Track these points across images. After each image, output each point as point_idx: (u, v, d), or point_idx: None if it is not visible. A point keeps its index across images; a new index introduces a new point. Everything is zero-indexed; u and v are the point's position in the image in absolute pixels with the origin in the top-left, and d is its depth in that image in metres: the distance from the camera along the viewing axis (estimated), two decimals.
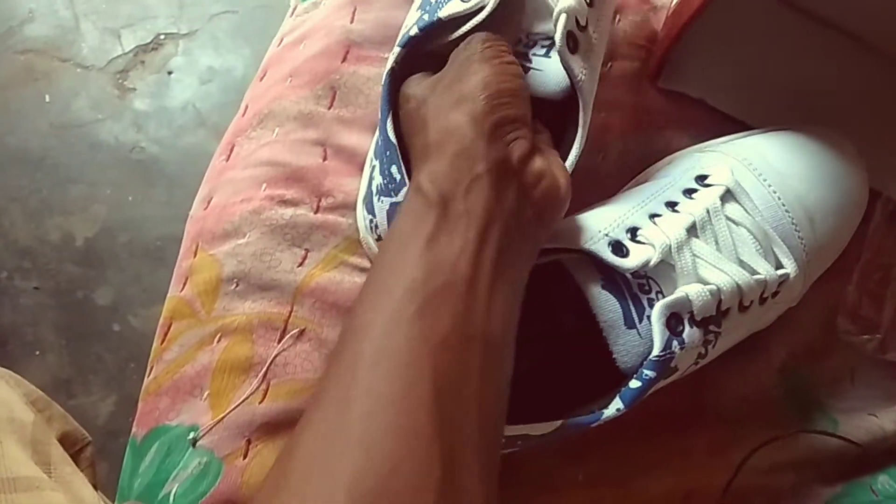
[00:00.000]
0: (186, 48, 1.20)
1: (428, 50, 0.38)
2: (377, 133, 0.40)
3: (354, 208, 0.44)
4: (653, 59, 0.48)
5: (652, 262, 0.35)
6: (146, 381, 0.44)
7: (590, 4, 0.38)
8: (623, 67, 0.49)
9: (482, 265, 0.29)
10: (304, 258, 0.44)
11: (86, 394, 1.04)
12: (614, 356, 0.37)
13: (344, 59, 0.47)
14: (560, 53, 0.36)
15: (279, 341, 0.42)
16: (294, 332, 0.42)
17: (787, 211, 0.39)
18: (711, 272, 0.36)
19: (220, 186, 0.46)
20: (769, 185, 0.39)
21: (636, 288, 0.37)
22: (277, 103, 0.47)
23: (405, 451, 0.25)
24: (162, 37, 1.20)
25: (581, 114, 0.37)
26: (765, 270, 0.37)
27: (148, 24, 1.21)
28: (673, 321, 0.34)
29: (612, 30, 0.48)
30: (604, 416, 0.35)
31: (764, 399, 0.45)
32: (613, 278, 0.37)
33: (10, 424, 0.38)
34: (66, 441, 0.48)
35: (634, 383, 0.35)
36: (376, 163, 0.40)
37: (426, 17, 0.38)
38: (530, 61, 0.40)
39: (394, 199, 0.38)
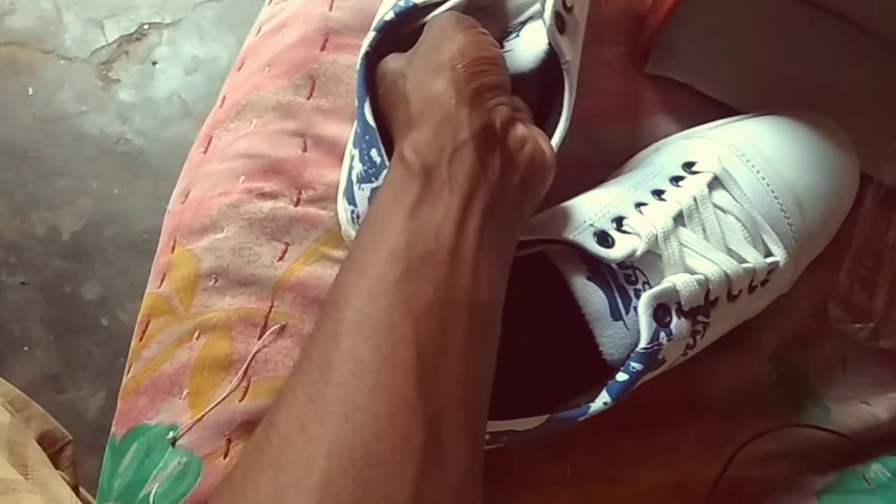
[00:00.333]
0: (171, 38, 1.18)
1: (403, 34, 0.38)
2: (355, 123, 0.39)
3: (335, 200, 0.43)
4: (639, 45, 0.47)
5: (638, 253, 0.34)
6: (125, 379, 0.43)
7: None
8: (609, 53, 0.48)
9: (466, 231, 0.29)
10: (285, 252, 0.43)
11: (75, 389, 1.04)
12: (601, 349, 0.36)
13: (323, 48, 0.46)
14: (549, 33, 0.36)
15: (259, 338, 0.41)
16: (275, 327, 0.41)
17: (775, 197, 0.38)
18: (699, 261, 0.35)
19: (198, 179, 0.45)
20: (757, 172, 0.39)
21: (622, 279, 0.36)
22: (255, 94, 0.46)
23: (386, 416, 0.25)
24: (146, 27, 1.19)
25: (567, 95, 0.37)
26: (753, 258, 0.36)
27: (131, 14, 1.19)
28: (660, 312, 0.34)
29: (599, 15, 0.47)
30: (591, 409, 0.34)
31: (754, 389, 0.44)
32: (599, 269, 0.37)
33: None
34: (45, 441, 0.48)
35: (621, 376, 0.34)
36: (355, 152, 0.39)
37: (402, 2, 0.37)
38: (502, 47, 0.40)
39: (374, 185, 0.37)
